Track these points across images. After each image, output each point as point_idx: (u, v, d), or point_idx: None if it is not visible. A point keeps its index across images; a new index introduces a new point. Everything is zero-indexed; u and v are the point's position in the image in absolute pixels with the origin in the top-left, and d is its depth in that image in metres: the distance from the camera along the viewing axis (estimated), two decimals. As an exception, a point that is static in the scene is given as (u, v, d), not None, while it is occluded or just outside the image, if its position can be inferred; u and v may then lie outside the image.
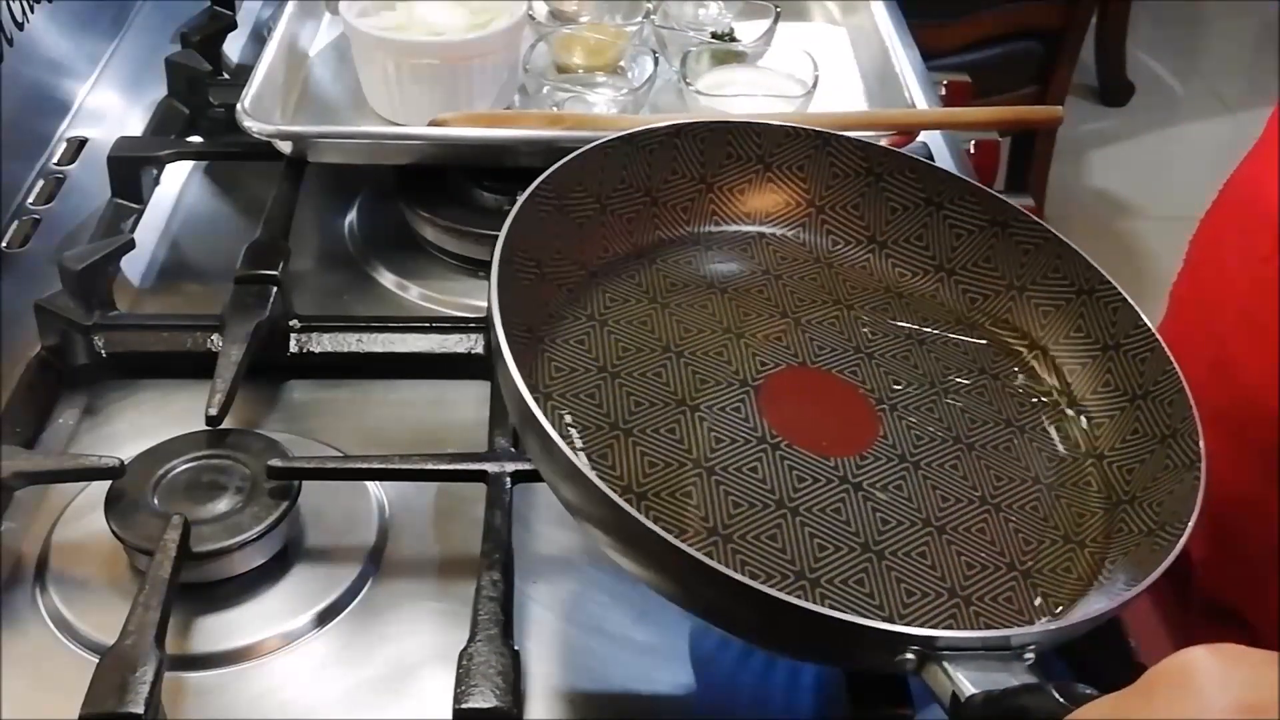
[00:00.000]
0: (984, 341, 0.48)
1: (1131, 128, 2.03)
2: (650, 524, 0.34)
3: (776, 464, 0.41)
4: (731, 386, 0.43)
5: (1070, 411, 0.45)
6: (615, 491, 0.34)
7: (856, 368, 0.45)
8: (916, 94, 0.63)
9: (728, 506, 0.39)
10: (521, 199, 0.43)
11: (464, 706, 0.38)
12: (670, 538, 0.33)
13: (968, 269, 0.49)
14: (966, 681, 0.33)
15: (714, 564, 0.33)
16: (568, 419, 0.41)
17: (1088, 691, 0.31)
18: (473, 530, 0.44)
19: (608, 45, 0.66)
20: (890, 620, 0.37)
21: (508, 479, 0.45)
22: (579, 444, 0.40)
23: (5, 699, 0.40)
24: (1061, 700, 0.30)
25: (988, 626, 0.38)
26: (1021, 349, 0.47)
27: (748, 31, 0.69)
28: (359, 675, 0.41)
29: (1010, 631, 0.35)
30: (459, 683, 0.38)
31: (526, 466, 0.45)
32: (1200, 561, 0.56)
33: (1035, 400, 0.46)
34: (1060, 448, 0.44)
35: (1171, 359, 0.44)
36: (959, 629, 0.37)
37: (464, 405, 0.51)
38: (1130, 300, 0.46)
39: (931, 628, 0.37)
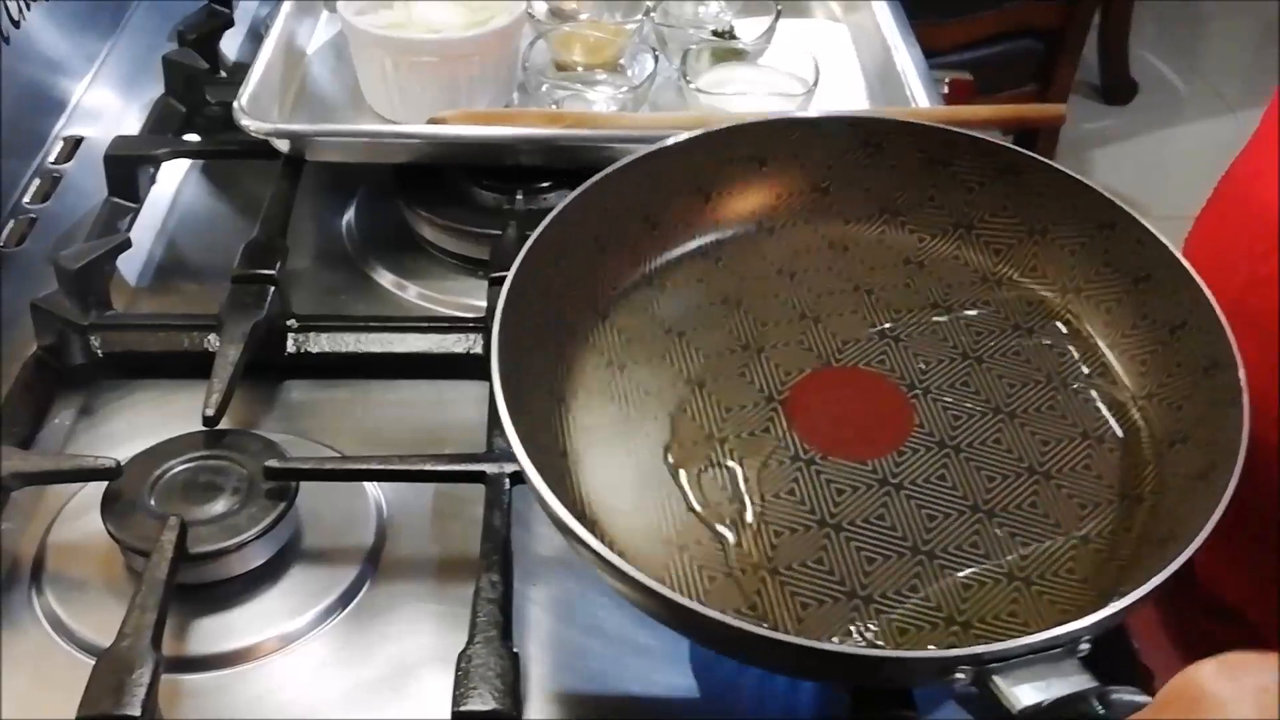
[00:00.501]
0: (1014, 295, 0.47)
1: (1134, 126, 2.03)
2: (666, 591, 0.34)
3: (813, 480, 0.40)
4: (758, 406, 0.42)
5: (1111, 354, 0.44)
6: (658, 545, 0.35)
7: (884, 356, 0.44)
8: (918, 92, 0.63)
9: (769, 537, 0.39)
10: (515, 266, 0.42)
11: (463, 709, 0.37)
12: (689, 603, 0.34)
13: (986, 221, 0.48)
14: (1016, 695, 0.32)
15: (740, 624, 0.33)
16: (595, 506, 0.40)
17: (1133, 699, 0.30)
18: (471, 531, 0.43)
19: (607, 43, 0.66)
20: (950, 621, 0.36)
21: (506, 480, 0.45)
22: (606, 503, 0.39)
23: (2, 700, 0.40)
24: (1102, 712, 0.30)
25: (1051, 603, 0.37)
26: (1052, 295, 0.46)
27: (748, 29, 0.68)
28: (357, 677, 0.41)
29: (1057, 632, 0.33)
30: (458, 684, 0.38)
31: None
32: (1201, 560, 0.56)
33: (1074, 349, 0.45)
34: (1106, 395, 0.43)
35: (1204, 287, 0.42)
36: (1021, 619, 0.36)
37: (463, 405, 0.51)
38: (1154, 231, 0.44)
39: (995, 619, 0.37)
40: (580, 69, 0.65)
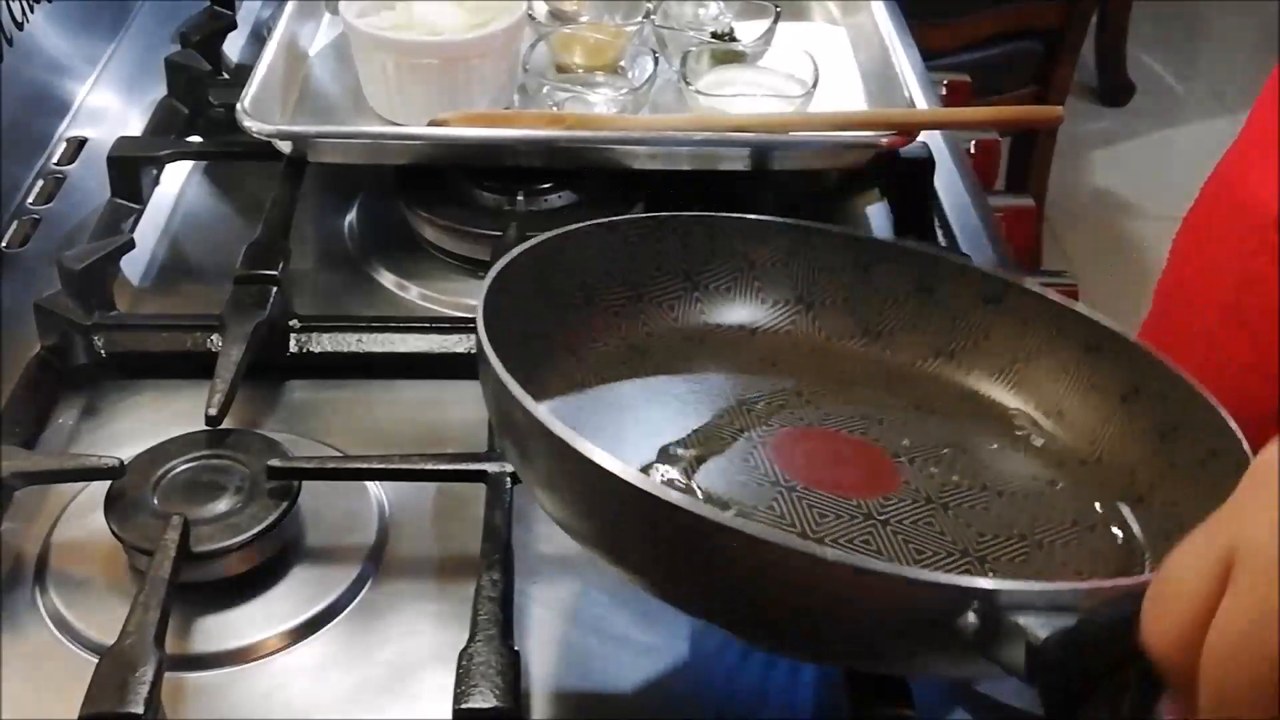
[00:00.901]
0: (997, 414, 0.47)
1: (1132, 127, 2.03)
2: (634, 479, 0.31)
3: (794, 503, 0.39)
4: (736, 442, 0.42)
5: (1101, 465, 0.44)
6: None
7: (866, 429, 0.44)
8: (916, 93, 0.63)
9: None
10: (501, 263, 0.42)
11: (464, 706, 0.38)
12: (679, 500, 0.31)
13: (968, 349, 0.48)
14: (1036, 624, 0.30)
15: (725, 520, 0.30)
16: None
17: None
18: (472, 530, 0.44)
19: (607, 45, 0.66)
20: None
21: (507, 479, 0.45)
22: None
23: (5, 699, 0.40)
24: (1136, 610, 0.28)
25: None
26: (1039, 417, 0.46)
27: (748, 31, 0.69)
28: (359, 675, 0.41)
29: (1082, 585, 0.32)
30: (459, 683, 0.38)
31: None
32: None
33: (1062, 458, 0.45)
34: (1099, 497, 0.43)
35: (1196, 384, 0.42)
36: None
37: (463, 405, 0.51)
38: (1141, 344, 0.44)
39: None
40: (580, 71, 0.66)
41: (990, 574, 0.38)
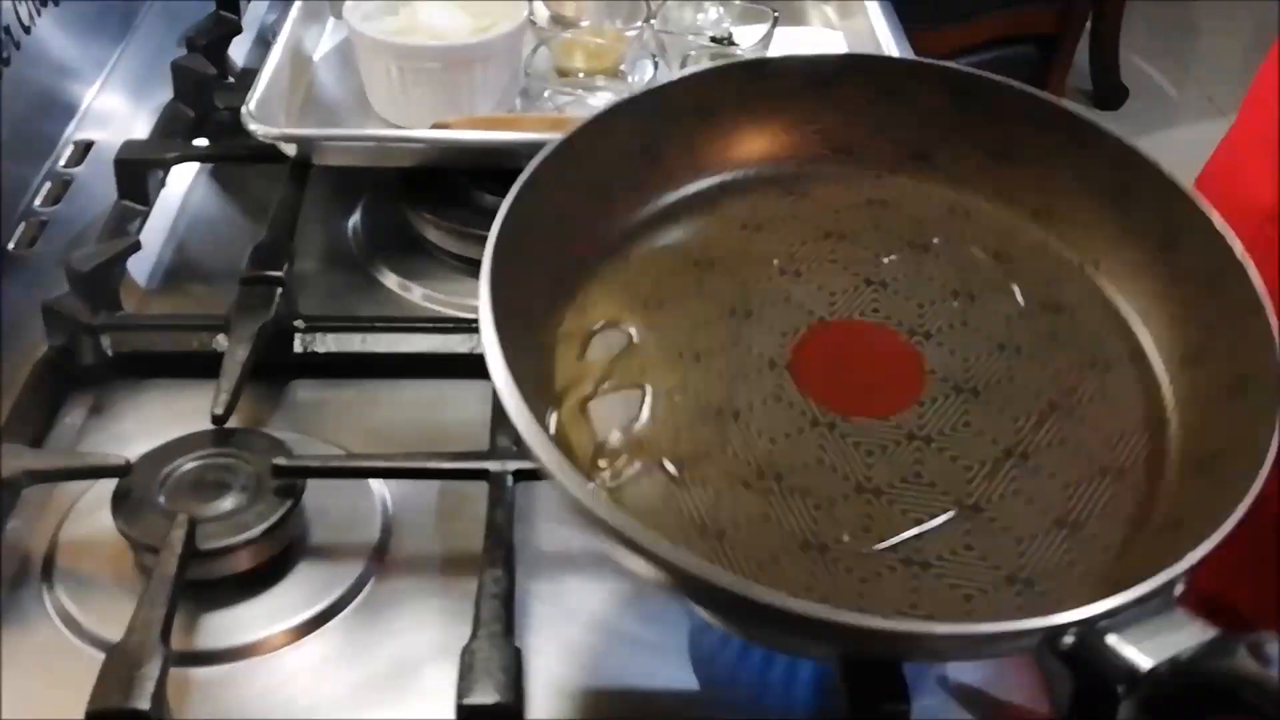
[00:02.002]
0: (985, 223, 0.44)
1: (1125, 131, 2.02)
2: (732, 580, 0.30)
3: (840, 445, 0.38)
4: (762, 374, 0.40)
5: (1096, 271, 0.42)
6: (694, 533, 0.32)
7: (876, 304, 0.42)
8: (913, 98, 0.63)
9: (809, 510, 0.36)
10: (502, 214, 0.39)
11: (466, 702, 0.38)
12: (757, 590, 0.30)
13: (943, 153, 0.45)
14: (1139, 653, 0.29)
15: (826, 613, 0.30)
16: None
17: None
18: (475, 528, 0.44)
19: (608, 49, 0.66)
20: (1013, 579, 0.34)
21: (509, 477, 0.45)
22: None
23: (12, 695, 0.40)
24: (1255, 662, 0.28)
25: (1105, 549, 0.35)
26: (1026, 218, 0.43)
27: (746, 35, 0.69)
28: (362, 671, 0.42)
29: (1161, 580, 0.30)
30: (461, 678, 0.38)
31: (528, 465, 0.45)
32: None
33: (1058, 272, 0.42)
34: (1103, 320, 0.41)
35: (1191, 195, 0.39)
36: (1080, 567, 0.34)
37: (466, 404, 0.51)
38: (1129, 141, 0.42)
39: (1054, 569, 0.34)
40: (582, 75, 0.66)
41: (1038, 470, 0.36)
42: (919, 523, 0.36)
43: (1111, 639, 0.30)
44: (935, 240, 0.44)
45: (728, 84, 0.46)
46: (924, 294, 0.42)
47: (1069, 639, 0.30)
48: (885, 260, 0.43)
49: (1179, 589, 0.31)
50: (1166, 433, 0.38)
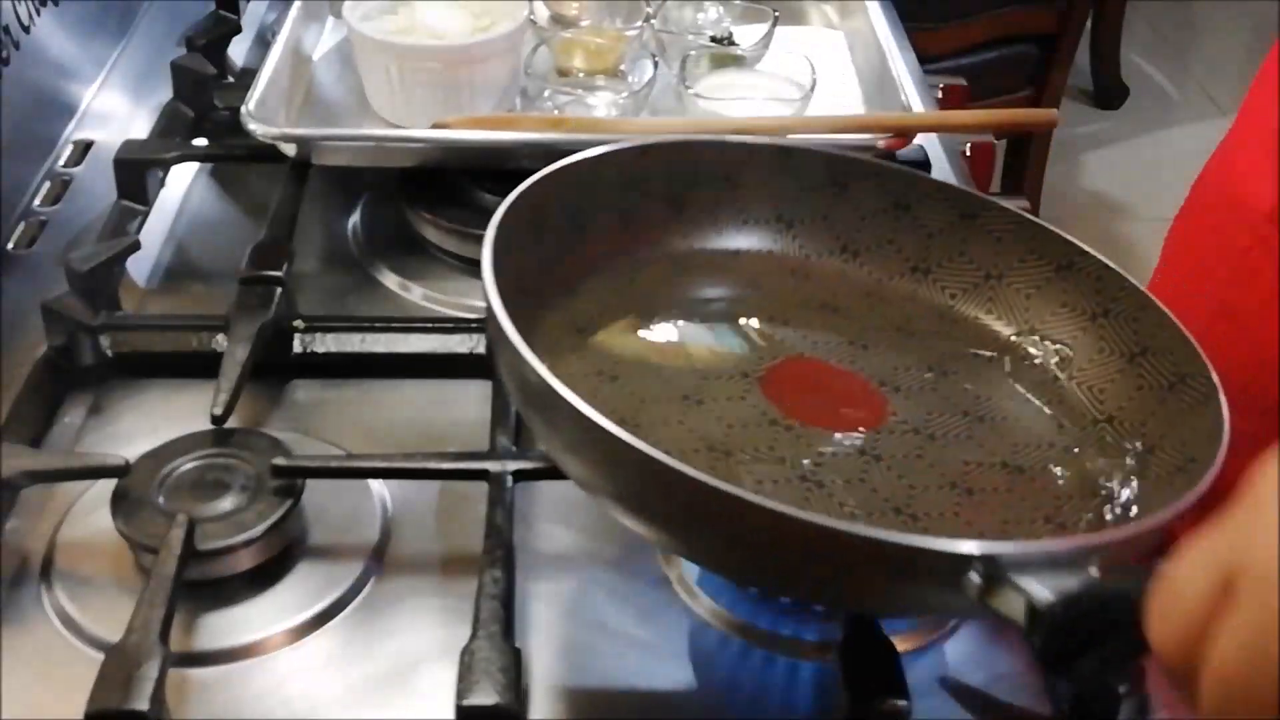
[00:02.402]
0: (972, 331, 0.48)
1: (1126, 130, 2.04)
2: (659, 455, 0.32)
3: (794, 442, 0.40)
4: (734, 379, 0.43)
5: (1070, 384, 0.45)
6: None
7: (855, 357, 0.45)
8: (913, 97, 0.64)
9: (749, 487, 0.38)
10: (500, 212, 0.42)
11: (466, 703, 0.38)
12: (679, 465, 0.32)
13: (943, 265, 0.49)
14: (1041, 588, 0.31)
15: (735, 490, 0.31)
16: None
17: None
18: (474, 528, 0.44)
19: (608, 49, 0.66)
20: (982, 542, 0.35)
21: (509, 477, 0.45)
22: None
23: (11, 695, 0.40)
24: (1138, 581, 0.29)
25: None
26: (1010, 335, 0.48)
27: (746, 35, 0.69)
28: (362, 672, 0.42)
29: (1080, 541, 0.33)
30: (461, 679, 0.38)
31: (528, 465, 0.46)
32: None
33: (1034, 379, 0.46)
34: (1069, 418, 0.44)
35: (1167, 311, 0.43)
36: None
37: (466, 404, 0.51)
38: (1113, 265, 0.45)
39: None
40: (581, 75, 0.66)
41: (980, 505, 0.39)
42: (853, 517, 0.38)
43: (1016, 578, 0.31)
44: (922, 331, 0.47)
45: (758, 159, 0.50)
46: (900, 361, 0.46)
47: (975, 579, 0.32)
48: (872, 331, 0.47)
49: (1093, 572, 0.32)
50: (1113, 506, 0.41)
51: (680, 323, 0.46)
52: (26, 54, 0.62)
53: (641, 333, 0.45)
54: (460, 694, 0.38)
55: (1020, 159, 1.61)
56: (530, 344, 0.38)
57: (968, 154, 0.71)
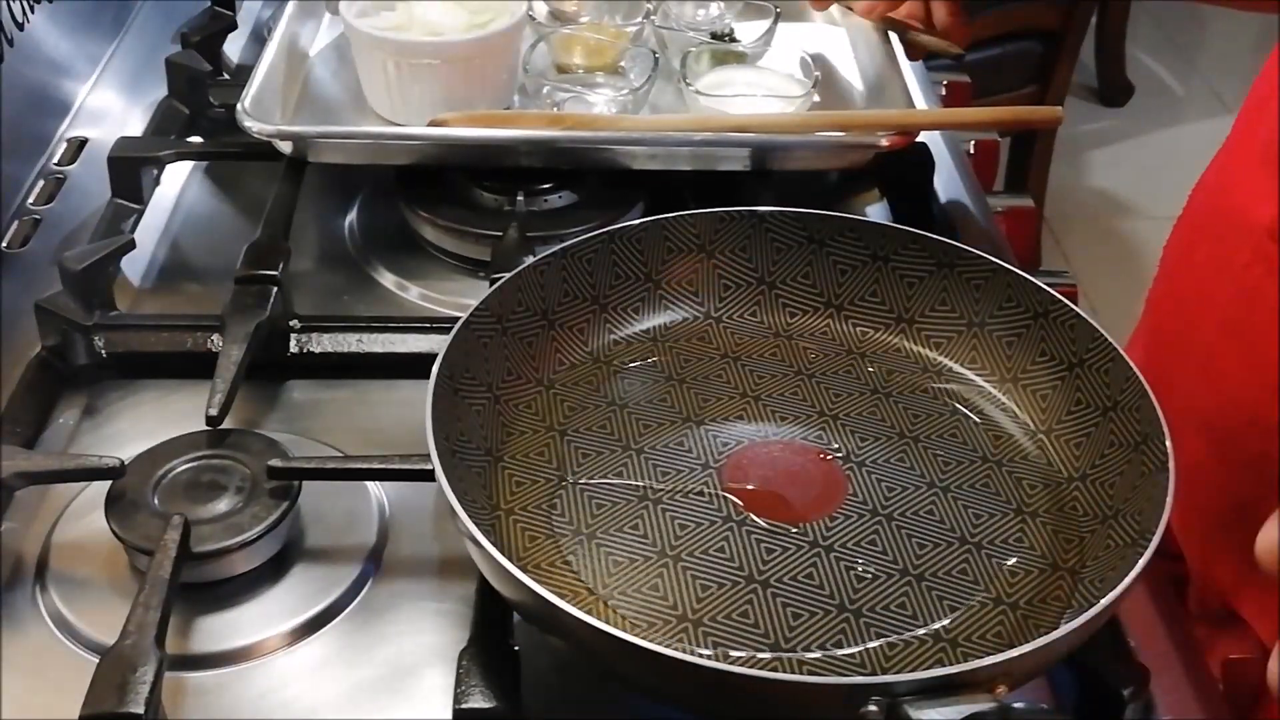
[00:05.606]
0: (953, 385, 0.48)
1: (1131, 128, 2.03)
2: (594, 621, 0.34)
3: (743, 540, 0.41)
4: (694, 472, 0.44)
5: (1047, 438, 0.46)
6: (584, 593, 0.36)
7: (821, 431, 0.46)
8: (916, 94, 0.63)
9: (696, 591, 0.40)
10: (456, 329, 0.44)
11: (463, 707, 0.38)
12: (612, 630, 0.34)
13: (925, 315, 0.50)
14: (939, 717, 0.32)
15: (650, 645, 0.33)
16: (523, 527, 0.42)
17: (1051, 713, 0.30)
18: (473, 530, 0.44)
19: (607, 45, 0.66)
20: (875, 673, 0.37)
21: (507, 479, 0.45)
22: (535, 557, 0.41)
23: (5, 699, 0.40)
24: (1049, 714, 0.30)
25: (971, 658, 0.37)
26: (991, 384, 0.48)
27: (747, 32, 0.69)
28: (358, 675, 0.41)
29: (970, 665, 0.33)
30: (458, 683, 0.38)
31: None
32: (1196, 563, 0.56)
33: (1010, 433, 0.46)
34: (1041, 476, 0.44)
35: (1132, 365, 0.44)
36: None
37: (464, 405, 0.51)
38: (1084, 315, 0.46)
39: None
40: (581, 71, 0.66)
41: (929, 591, 0.40)
42: (797, 616, 0.39)
43: (910, 711, 0.32)
44: (899, 391, 0.48)
45: (733, 226, 0.51)
46: (870, 431, 0.46)
47: (874, 709, 0.32)
48: (844, 400, 0.47)
49: (1001, 690, 0.33)
50: (1066, 580, 0.41)
51: (654, 413, 0.47)
52: (20, 51, 0.62)
53: (614, 425, 0.46)
54: (458, 698, 0.38)
55: (1024, 157, 1.61)
56: (500, 457, 0.42)
57: (971, 152, 0.71)
